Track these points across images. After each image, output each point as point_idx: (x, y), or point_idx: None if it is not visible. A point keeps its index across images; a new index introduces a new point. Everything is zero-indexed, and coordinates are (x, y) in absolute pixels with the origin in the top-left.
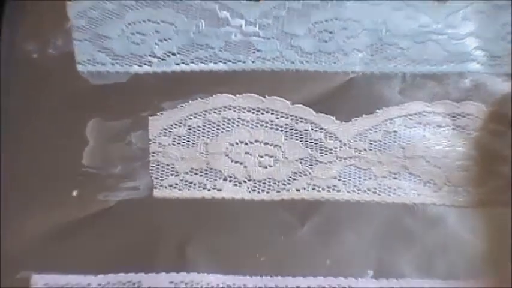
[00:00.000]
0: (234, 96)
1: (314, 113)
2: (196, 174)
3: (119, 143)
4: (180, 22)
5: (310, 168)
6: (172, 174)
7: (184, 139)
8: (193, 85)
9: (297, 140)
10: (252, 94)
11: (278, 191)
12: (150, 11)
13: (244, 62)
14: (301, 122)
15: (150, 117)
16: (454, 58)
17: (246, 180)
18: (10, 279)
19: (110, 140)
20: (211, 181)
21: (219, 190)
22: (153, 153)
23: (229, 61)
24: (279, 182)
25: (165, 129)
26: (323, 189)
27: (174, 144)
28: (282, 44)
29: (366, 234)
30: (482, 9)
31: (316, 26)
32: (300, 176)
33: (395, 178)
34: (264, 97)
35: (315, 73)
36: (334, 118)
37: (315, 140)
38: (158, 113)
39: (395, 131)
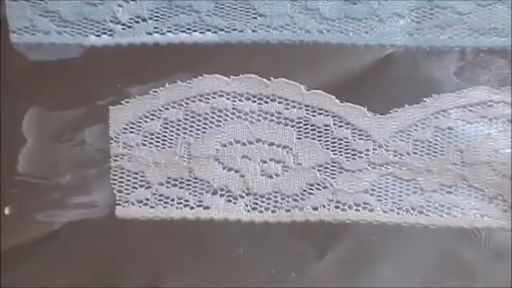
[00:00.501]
0: (227, 78)
1: (338, 102)
2: (174, 185)
3: (68, 143)
4: None
5: (333, 179)
6: (141, 186)
7: (158, 137)
8: (170, 62)
9: (314, 139)
10: (252, 75)
11: (288, 210)
12: None
13: (241, 31)
14: (319, 114)
15: (110, 107)
16: None
17: (243, 194)
18: None
19: (55, 138)
20: (195, 195)
21: (206, 208)
22: (115, 156)
23: (221, 30)
24: (289, 197)
25: (132, 123)
26: (350, 207)
27: (144, 145)
28: (293, 7)
29: (408, 269)
30: None
31: None
32: (319, 189)
33: (449, 192)
34: (269, 80)
35: (339, 47)
36: (365, 109)
37: (339, 139)
38: (122, 102)
39: (450, 128)
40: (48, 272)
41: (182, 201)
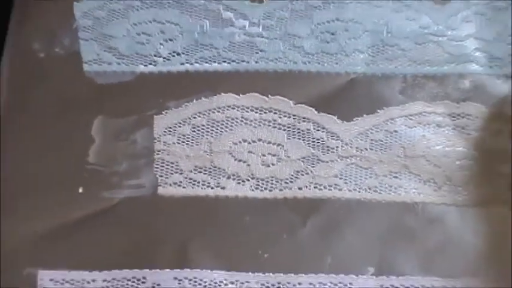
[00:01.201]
0: (237, 96)
1: (316, 112)
2: (200, 172)
3: (124, 141)
4: (185, 22)
5: (312, 167)
6: (176, 172)
7: (188, 138)
8: (197, 84)
9: (299, 139)
10: (255, 94)
11: (281, 190)
12: (155, 11)
13: (247, 62)
14: (303, 121)
15: (155, 116)
16: (454, 59)
17: (249, 178)
18: (17, 276)
19: (115, 138)
20: (215, 179)
21: (223, 188)
22: (158, 151)
23: (233, 61)
24: (281, 180)
25: (170, 127)
26: (325, 187)
27: (178, 143)
28: (284, 45)
29: (367, 232)
30: (482, 11)
31: (319, 27)
32: (302, 174)
33: (395, 177)
34: (267, 97)
35: (317, 74)
36: (336, 118)
37: (317, 139)
38: (163, 112)
39: (396, 131)
40: (108, 235)
41: (205, 183)
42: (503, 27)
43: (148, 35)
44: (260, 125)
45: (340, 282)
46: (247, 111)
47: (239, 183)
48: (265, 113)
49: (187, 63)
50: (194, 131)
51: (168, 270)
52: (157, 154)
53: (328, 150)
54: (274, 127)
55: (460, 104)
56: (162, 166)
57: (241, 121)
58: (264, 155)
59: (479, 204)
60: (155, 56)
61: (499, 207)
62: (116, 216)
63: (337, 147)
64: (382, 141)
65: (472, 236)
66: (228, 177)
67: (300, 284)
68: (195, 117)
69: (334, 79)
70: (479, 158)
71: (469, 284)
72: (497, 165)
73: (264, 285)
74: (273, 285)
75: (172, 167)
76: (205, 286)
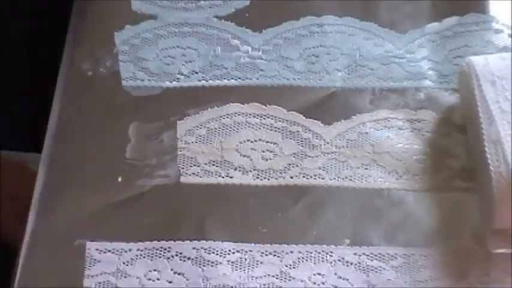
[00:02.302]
0: (242, 105)
1: (304, 118)
2: (213, 165)
3: (154, 141)
4: (201, 48)
5: (301, 161)
6: (195, 165)
7: (204, 138)
8: (211, 97)
9: (291, 139)
10: (257, 103)
11: (276, 178)
12: (178, 39)
13: (250, 79)
14: (294, 125)
15: (178, 121)
16: (412, 76)
17: (251, 170)
18: (70, 246)
19: (147, 139)
20: (224, 170)
21: (231, 177)
22: (180, 149)
23: (239, 78)
24: (277, 171)
25: (190, 130)
26: (311, 177)
27: (196, 142)
28: (279, 65)
29: (344, 212)
30: (433, 38)
31: (306, 51)
32: (293, 167)
33: (366, 169)
34: (266, 106)
35: (304, 88)
36: (319, 122)
37: (305, 139)
38: (184, 118)
39: (366, 133)
40: (141, 215)
41: (217, 174)
42: (450, 51)
43: (173, 57)
44: (260, 128)
45: (323, 251)
46: (250, 117)
47: (244, 173)
48: (264, 118)
49: (203, 80)
50: (209, 133)
51: (188, 241)
52: (180, 151)
53: (314, 147)
54: (271, 129)
55: (417, 111)
56: (184, 160)
57: (246, 125)
58: (263, 151)
59: (432, 190)
60: (178, 74)
61: (447, 192)
62: (147, 200)
63: (320, 145)
64: (355, 140)
65: (426, 215)
66: (235, 169)
67: (291, 252)
68: (209, 122)
69: (318, 92)
70: (431, 154)
71: (425, 252)
72: (446, 160)
73: (263, 253)
74: (270, 253)
75: (191, 161)
76: (217, 254)
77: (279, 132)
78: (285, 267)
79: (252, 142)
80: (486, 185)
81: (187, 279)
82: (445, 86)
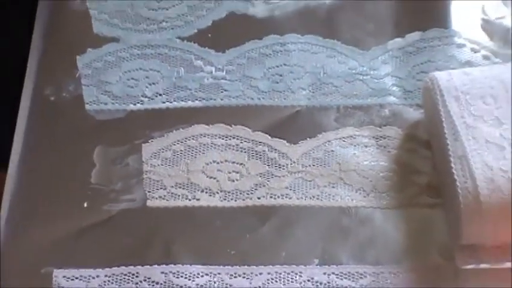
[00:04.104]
0: (207, 126)
1: (270, 138)
2: (179, 187)
3: (119, 165)
4: (165, 70)
5: (268, 181)
6: (161, 188)
7: (170, 160)
8: (176, 118)
9: (257, 159)
10: (222, 124)
11: (243, 199)
12: (141, 61)
13: (214, 100)
14: (260, 145)
15: (143, 144)
16: (376, 93)
17: (218, 191)
18: (37, 274)
19: (112, 163)
20: (191, 193)
21: (198, 200)
22: (146, 172)
23: (203, 99)
24: (244, 192)
25: (155, 153)
26: (278, 197)
27: (162, 165)
28: (243, 85)
29: (312, 231)
30: (396, 55)
31: (270, 71)
32: (260, 187)
33: (333, 187)
34: (231, 126)
35: (269, 107)
36: (285, 141)
37: (271, 158)
38: (149, 141)
39: (332, 151)
40: (108, 240)
41: (184, 196)
42: (413, 67)
43: (136, 80)
44: (226, 149)
45: (292, 271)
46: (215, 138)
47: (211, 195)
48: (229, 139)
49: (167, 101)
50: (174, 155)
51: (156, 266)
52: (146, 174)
53: (280, 167)
54: (237, 150)
55: (382, 128)
56: (150, 184)
57: (211, 146)
58: (229, 172)
59: (399, 207)
60: (142, 96)
61: (414, 209)
62: (114, 224)
63: (287, 164)
64: (322, 159)
65: (394, 232)
66: (202, 191)
67: (261, 273)
68: (174, 144)
69: (283, 111)
70: (398, 170)
71: (393, 269)
72: (412, 176)
73: (232, 275)
74: (239, 275)
75: (157, 184)
76: (185, 277)
77: (245, 152)
78: None
79: (218, 163)
80: (453, 201)
81: None
82: (409, 102)
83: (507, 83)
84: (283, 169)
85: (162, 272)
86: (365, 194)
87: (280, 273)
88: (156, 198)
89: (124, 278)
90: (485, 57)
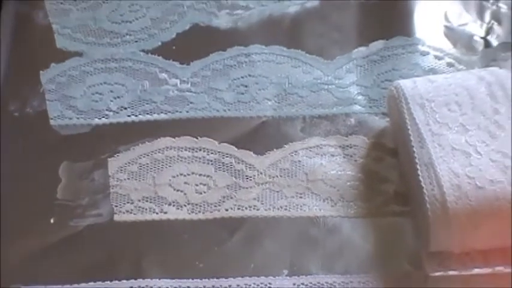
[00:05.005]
0: (173, 139)
1: (236, 149)
2: (147, 201)
3: (85, 180)
4: (129, 83)
5: (235, 193)
6: (128, 203)
7: (136, 174)
8: (141, 132)
9: (224, 171)
10: (188, 137)
11: (211, 211)
12: (105, 75)
13: (180, 112)
14: (226, 157)
15: (108, 159)
16: (342, 102)
17: (186, 204)
18: None
19: (78, 178)
20: (158, 206)
21: (165, 213)
22: (112, 186)
23: (169, 112)
24: (211, 204)
25: (121, 167)
26: (246, 208)
27: (128, 179)
28: (209, 97)
29: (281, 242)
30: (361, 63)
31: (235, 82)
32: (228, 199)
33: (301, 197)
34: (197, 138)
35: (235, 118)
36: (252, 153)
37: (238, 170)
38: (115, 155)
39: (299, 161)
40: (76, 256)
41: (151, 210)
42: (378, 75)
43: (101, 94)
44: (193, 161)
45: (261, 283)
46: (182, 151)
47: (178, 208)
48: (196, 151)
49: (132, 115)
50: (141, 169)
51: (125, 281)
52: (112, 189)
53: (247, 178)
54: (204, 162)
55: (348, 137)
56: (117, 198)
57: (178, 159)
58: (197, 185)
59: (367, 216)
60: (107, 110)
61: (382, 217)
62: (81, 240)
63: (254, 175)
64: (288, 169)
65: (362, 241)
66: (169, 204)
67: (230, 286)
68: (141, 158)
69: (249, 122)
70: (365, 179)
71: (363, 279)
72: (380, 185)
73: None
74: None
75: (124, 198)
76: None
77: (211, 164)
78: None
79: (185, 176)
80: (420, 208)
81: None
82: (374, 111)
83: (471, 89)
84: (251, 180)
85: (131, 287)
86: (333, 204)
87: (250, 285)
88: (123, 213)
89: None
90: (449, 64)
